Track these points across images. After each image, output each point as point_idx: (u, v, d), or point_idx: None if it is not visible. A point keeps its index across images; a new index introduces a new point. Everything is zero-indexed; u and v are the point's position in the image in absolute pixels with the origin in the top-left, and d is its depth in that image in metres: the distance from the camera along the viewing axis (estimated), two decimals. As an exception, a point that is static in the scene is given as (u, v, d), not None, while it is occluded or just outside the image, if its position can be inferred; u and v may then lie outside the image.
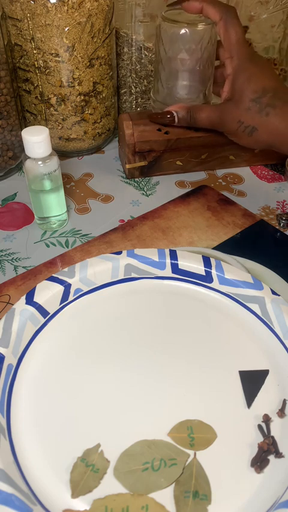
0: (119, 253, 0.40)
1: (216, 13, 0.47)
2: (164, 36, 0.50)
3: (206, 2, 0.47)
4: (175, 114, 0.51)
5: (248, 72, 0.47)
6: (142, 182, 0.57)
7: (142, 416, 0.31)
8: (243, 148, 0.54)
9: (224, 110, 0.49)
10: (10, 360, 0.33)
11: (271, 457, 0.29)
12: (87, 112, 0.58)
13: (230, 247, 0.46)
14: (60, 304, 0.37)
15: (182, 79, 0.53)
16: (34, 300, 0.36)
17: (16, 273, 0.44)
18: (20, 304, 0.35)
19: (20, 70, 0.55)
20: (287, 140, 0.47)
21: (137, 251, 0.40)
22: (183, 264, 0.40)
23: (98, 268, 0.39)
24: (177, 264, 0.40)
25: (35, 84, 0.55)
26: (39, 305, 0.36)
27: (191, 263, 0.39)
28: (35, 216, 0.49)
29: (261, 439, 0.30)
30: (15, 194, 0.55)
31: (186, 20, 0.49)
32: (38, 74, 0.54)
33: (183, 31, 0.49)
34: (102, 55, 0.55)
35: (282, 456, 0.29)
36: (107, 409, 0.31)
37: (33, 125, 0.58)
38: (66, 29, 0.50)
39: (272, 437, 0.30)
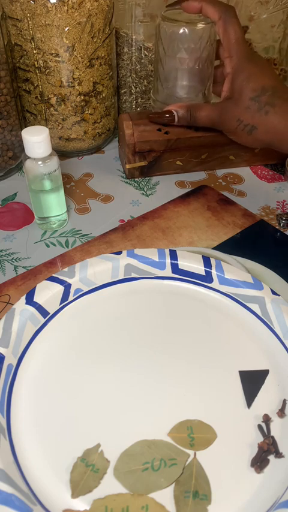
0: (119, 253, 0.40)
1: (215, 12, 0.47)
2: (164, 35, 0.50)
3: (205, 2, 0.47)
4: (175, 113, 0.51)
5: (247, 71, 0.47)
6: (142, 182, 0.57)
7: (142, 416, 0.31)
8: (243, 148, 0.54)
9: (223, 109, 0.49)
10: (10, 360, 0.33)
11: (271, 457, 0.29)
12: (87, 112, 0.58)
13: (230, 247, 0.46)
14: (60, 304, 0.37)
15: (182, 78, 0.53)
16: (34, 300, 0.36)
17: (16, 273, 0.44)
18: (20, 304, 0.35)
19: (20, 70, 0.55)
20: (285, 139, 0.47)
21: (137, 251, 0.40)
22: (183, 264, 0.40)
23: (98, 268, 0.39)
24: (177, 264, 0.40)
25: (35, 84, 0.55)
26: (39, 305, 0.36)
27: (191, 263, 0.39)
28: (35, 216, 0.49)
29: (261, 439, 0.30)
30: (15, 194, 0.55)
31: (185, 20, 0.49)
32: (38, 74, 0.54)
33: (182, 30, 0.49)
34: (102, 55, 0.55)
35: (282, 456, 0.29)
36: (107, 409, 0.31)
37: (33, 124, 0.58)
38: (66, 29, 0.50)
39: (272, 437, 0.30)
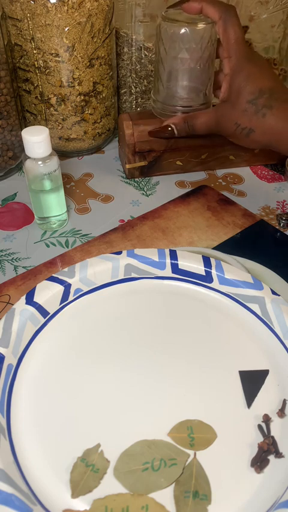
0: (119, 253, 0.40)
1: (215, 12, 0.47)
2: (164, 35, 0.50)
3: (205, 2, 0.47)
4: (173, 126, 0.51)
5: (245, 72, 0.47)
6: (142, 182, 0.57)
7: (142, 416, 0.31)
8: (243, 148, 0.54)
9: (220, 113, 0.49)
10: (10, 360, 0.33)
11: (271, 457, 0.29)
12: (87, 112, 0.58)
13: (230, 247, 0.46)
14: (60, 304, 0.37)
15: (183, 79, 0.53)
16: (34, 300, 0.36)
17: (16, 273, 0.44)
18: (20, 304, 0.35)
19: (20, 70, 0.55)
20: (283, 139, 0.47)
21: (137, 251, 0.40)
22: (183, 264, 0.40)
23: (98, 268, 0.39)
24: (177, 264, 0.40)
25: (35, 84, 0.55)
26: (39, 305, 0.36)
27: (191, 263, 0.39)
28: (35, 216, 0.49)
29: (261, 439, 0.30)
30: (15, 194, 0.55)
31: (186, 20, 0.49)
32: (38, 74, 0.54)
33: (183, 30, 0.49)
34: (102, 55, 0.55)
35: (282, 456, 0.29)
36: (107, 409, 0.31)
37: (33, 124, 0.58)
38: (66, 29, 0.50)
39: (272, 437, 0.30)
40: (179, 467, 0.28)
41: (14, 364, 0.33)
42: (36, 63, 0.53)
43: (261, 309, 0.36)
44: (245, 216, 0.50)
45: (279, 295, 0.36)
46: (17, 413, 0.31)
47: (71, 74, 0.54)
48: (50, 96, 0.55)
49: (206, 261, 0.39)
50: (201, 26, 0.48)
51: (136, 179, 0.57)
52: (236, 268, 0.39)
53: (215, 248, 0.45)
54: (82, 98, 0.56)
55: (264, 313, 0.36)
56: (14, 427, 0.30)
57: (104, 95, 0.58)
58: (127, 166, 0.56)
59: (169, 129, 0.52)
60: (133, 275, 0.40)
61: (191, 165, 0.57)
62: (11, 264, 0.45)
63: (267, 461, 0.29)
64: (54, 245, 0.47)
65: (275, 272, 0.42)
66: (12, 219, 0.51)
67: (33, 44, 0.52)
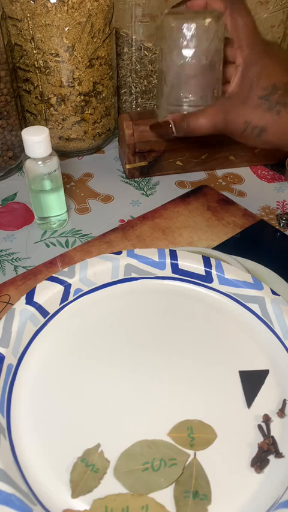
0: (119, 253, 0.40)
1: (221, 3, 0.44)
2: (168, 33, 0.48)
3: None
4: (172, 123, 0.48)
5: (259, 64, 0.43)
6: (142, 182, 0.57)
7: (142, 416, 0.31)
8: (243, 148, 0.54)
9: (228, 110, 0.45)
10: (10, 360, 0.33)
11: (271, 457, 0.29)
12: (87, 112, 0.58)
13: (230, 247, 0.46)
14: (60, 304, 0.37)
15: (189, 78, 0.51)
16: (34, 300, 0.36)
17: (16, 273, 0.44)
18: (20, 304, 0.35)
19: (20, 70, 0.55)
20: None
21: (137, 251, 0.40)
22: (183, 264, 0.40)
23: (98, 268, 0.39)
24: (177, 264, 0.40)
25: (35, 84, 0.55)
26: (39, 305, 0.36)
27: (191, 263, 0.39)
28: (35, 216, 0.49)
29: (261, 439, 0.30)
30: (15, 194, 0.55)
31: (191, 15, 0.47)
32: (38, 74, 0.54)
33: (188, 26, 0.47)
34: (102, 55, 0.55)
35: (282, 456, 0.29)
36: (107, 409, 0.31)
37: (33, 124, 0.58)
38: (66, 29, 0.50)
39: (272, 437, 0.30)
40: (179, 467, 0.28)
41: (14, 364, 0.33)
42: (36, 63, 0.53)
43: (261, 309, 0.36)
44: (245, 216, 0.50)
45: (279, 295, 0.36)
46: (17, 413, 0.31)
47: (71, 74, 0.54)
48: (50, 96, 0.55)
49: (206, 261, 0.39)
50: (207, 20, 0.46)
51: (136, 179, 0.57)
52: (236, 268, 0.39)
53: (215, 248, 0.45)
54: (82, 98, 0.56)
55: (264, 313, 0.36)
56: (14, 427, 0.30)
57: (104, 95, 0.58)
58: (127, 166, 0.56)
59: (170, 126, 0.48)
60: (133, 275, 0.40)
61: (191, 165, 0.57)
62: (11, 264, 0.45)
63: (267, 461, 0.29)
64: (54, 245, 0.47)
65: (275, 272, 0.42)
66: (12, 219, 0.51)
67: (33, 44, 0.52)
